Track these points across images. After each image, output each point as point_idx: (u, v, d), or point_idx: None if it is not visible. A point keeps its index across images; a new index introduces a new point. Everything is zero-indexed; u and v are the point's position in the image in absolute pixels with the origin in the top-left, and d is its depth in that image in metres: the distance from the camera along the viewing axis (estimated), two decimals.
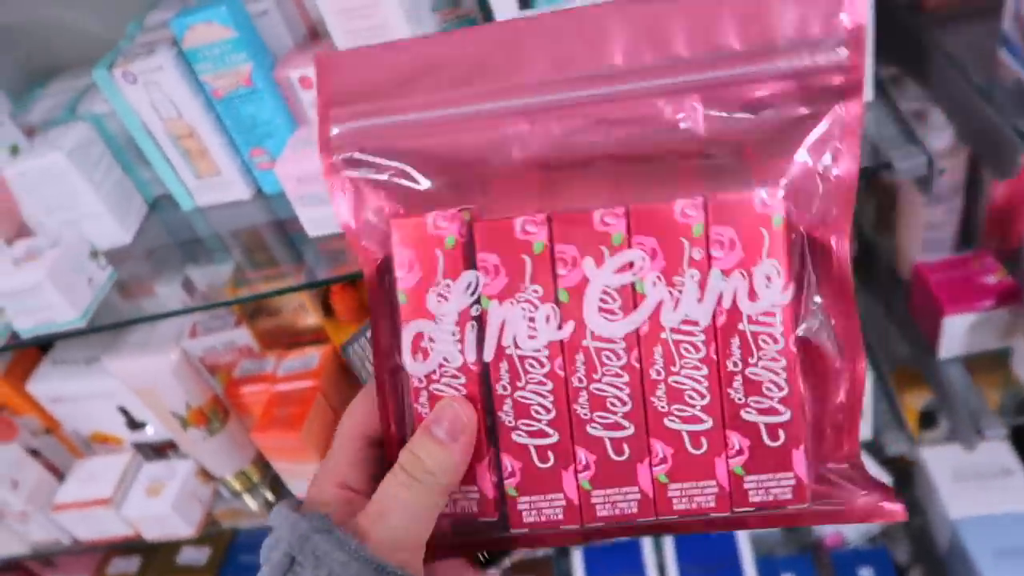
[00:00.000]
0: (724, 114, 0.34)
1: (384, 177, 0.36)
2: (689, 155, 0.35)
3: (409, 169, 0.36)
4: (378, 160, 0.36)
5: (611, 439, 0.35)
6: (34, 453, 1.05)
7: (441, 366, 0.35)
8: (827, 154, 0.34)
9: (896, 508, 0.35)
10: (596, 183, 0.35)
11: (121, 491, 1.03)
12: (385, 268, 0.36)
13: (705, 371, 0.34)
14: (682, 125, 0.34)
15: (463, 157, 0.35)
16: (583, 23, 0.34)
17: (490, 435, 0.36)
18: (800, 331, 0.34)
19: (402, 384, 0.36)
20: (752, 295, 0.34)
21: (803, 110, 0.34)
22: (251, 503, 1.05)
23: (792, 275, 0.34)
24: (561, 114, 0.35)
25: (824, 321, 0.34)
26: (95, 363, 0.96)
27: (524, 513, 0.36)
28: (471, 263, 0.35)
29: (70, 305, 0.77)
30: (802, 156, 0.34)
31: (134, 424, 1.03)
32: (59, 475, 1.08)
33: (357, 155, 0.36)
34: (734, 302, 0.34)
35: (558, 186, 0.35)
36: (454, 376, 0.35)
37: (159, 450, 1.07)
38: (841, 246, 0.34)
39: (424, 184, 0.36)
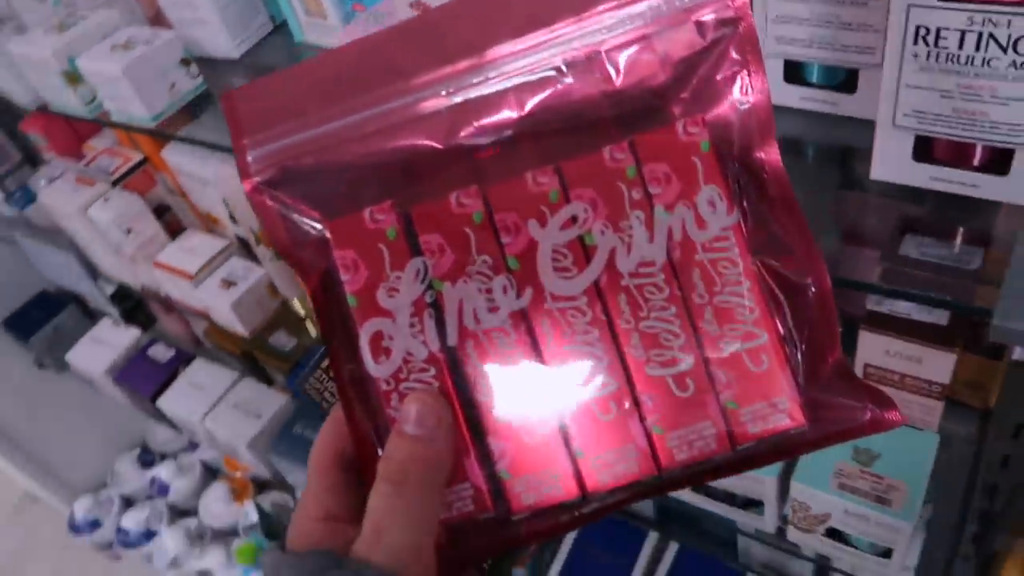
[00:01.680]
0: (630, 66, 0.35)
1: (308, 190, 0.36)
2: (607, 110, 0.35)
3: (332, 177, 0.36)
4: (299, 175, 0.36)
5: (596, 399, 0.33)
6: (163, 208, 1.19)
7: (407, 362, 0.34)
8: (736, 76, 0.34)
9: (894, 415, 0.33)
10: (520, 159, 0.35)
11: (203, 273, 1.11)
12: (327, 280, 0.35)
13: (673, 310, 0.33)
14: (591, 88, 0.35)
15: (383, 158, 0.35)
16: (473, 8, 0.35)
17: (471, 425, 0.34)
18: (757, 254, 0.34)
19: (370, 396, 0.35)
20: (700, 223, 0.33)
21: (701, 41, 0.35)
22: (312, 330, 1.12)
23: (733, 198, 0.34)
24: (471, 100, 0.35)
25: (777, 239, 0.34)
26: (214, 152, 0.98)
27: (522, 495, 0.34)
28: (416, 250, 0.34)
29: (143, 104, 0.81)
30: (712, 83, 0.35)
31: (233, 219, 1.08)
32: (175, 236, 1.19)
33: (279, 175, 0.36)
34: (684, 234, 0.33)
35: (485, 168, 0.35)
36: (422, 369, 0.34)
37: (250, 251, 1.12)
38: (772, 162, 0.34)
39: (349, 190, 0.36)
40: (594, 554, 1.04)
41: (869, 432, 0.34)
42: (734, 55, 0.34)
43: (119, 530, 1.74)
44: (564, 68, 0.35)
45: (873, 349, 0.71)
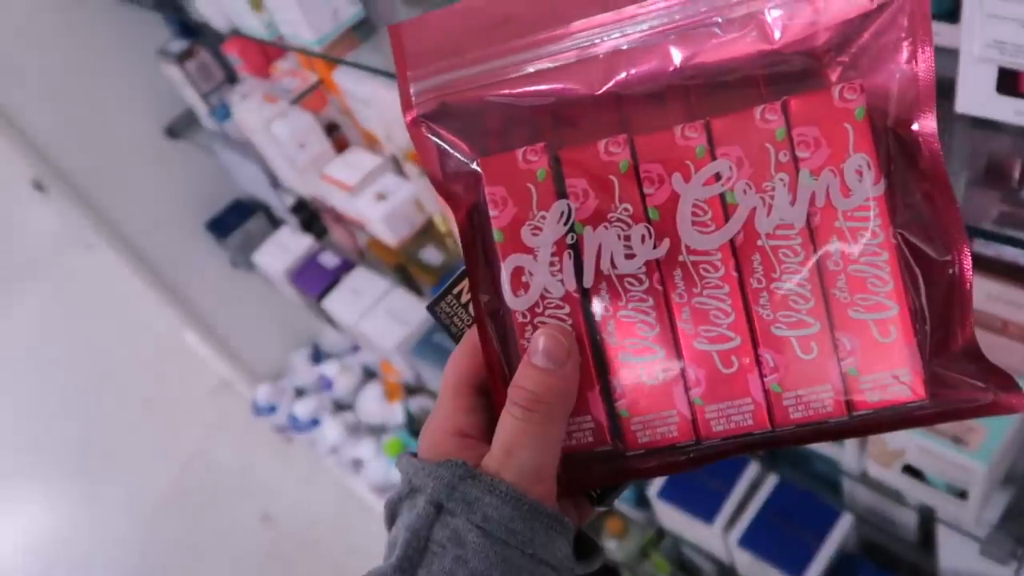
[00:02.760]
0: (789, 25, 0.35)
1: (464, 126, 0.37)
2: (760, 69, 0.35)
3: (488, 116, 0.37)
4: (457, 111, 0.38)
5: (718, 352, 0.35)
6: (333, 127, 1.28)
7: (543, 297, 0.36)
8: (901, 43, 0.34)
9: (1017, 400, 0.33)
10: (670, 113, 0.36)
11: (360, 186, 1.19)
12: (474, 213, 0.37)
13: (807, 274, 0.34)
14: (748, 46, 0.35)
15: (538, 100, 0.37)
16: None
17: (597, 362, 0.36)
18: (899, 226, 0.34)
19: (504, 326, 0.37)
20: (845, 190, 0.34)
21: (868, 4, 0.34)
22: (455, 247, 1.16)
23: (882, 167, 0.34)
24: (627, 49, 0.36)
25: (922, 214, 0.34)
26: (375, 75, 1.01)
27: (638, 434, 0.36)
28: (561, 193, 0.36)
29: (309, 27, 0.84)
30: (875, 49, 0.34)
31: (388, 139, 1.16)
32: (342, 152, 1.29)
33: (437, 109, 0.38)
34: (827, 200, 0.34)
35: (633, 118, 0.36)
36: (557, 307, 0.36)
37: (400, 168, 1.21)
38: (928, 134, 0.34)
39: (503, 129, 0.37)
40: (693, 473, 1.06)
41: (989, 414, 0.34)
42: (902, 21, 0.34)
43: (291, 416, 1.96)
44: (721, 22, 0.35)
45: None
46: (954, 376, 0.34)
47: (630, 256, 0.35)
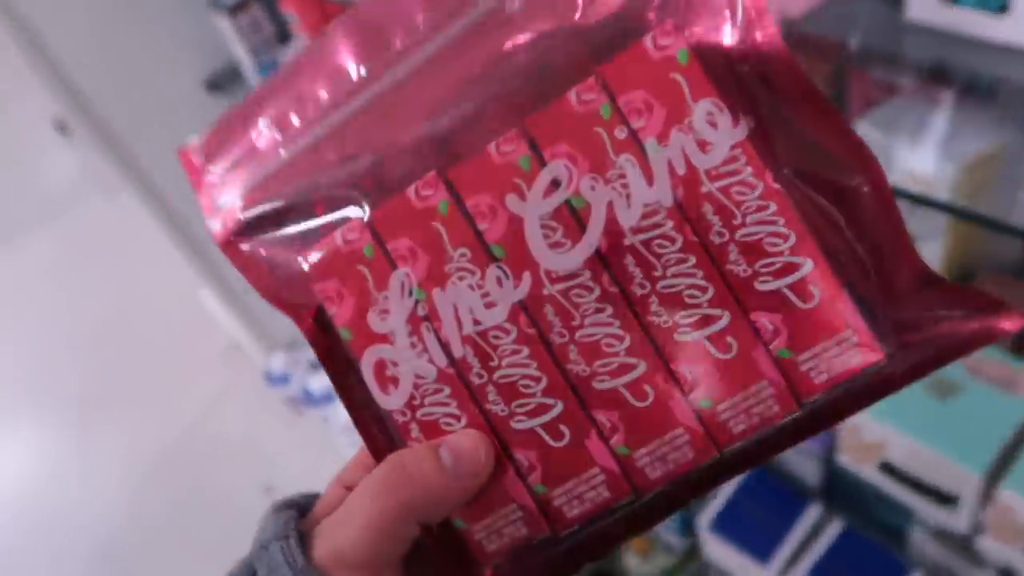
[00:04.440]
0: None
1: (280, 229, 0.33)
2: (580, 49, 0.30)
3: (305, 205, 0.33)
4: (271, 212, 0.33)
5: (626, 385, 0.28)
6: None
7: (417, 386, 0.30)
8: None
9: (1008, 321, 0.26)
10: (489, 125, 0.31)
11: None
12: (320, 317, 0.32)
13: (692, 259, 0.28)
14: (551, 23, 0.30)
15: (344, 170, 0.32)
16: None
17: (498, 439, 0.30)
18: (789, 164, 0.28)
19: (391, 431, 0.31)
20: (703, 146, 0.28)
21: None
22: None
23: (737, 107, 0.28)
24: (407, 75, 0.31)
25: (806, 142, 0.28)
26: None
27: (564, 508, 0.29)
28: (393, 262, 0.30)
29: None
30: None
31: None
32: None
33: (249, 219, 0.33)
34: (687, 163, 0.28)
35: (451, 146, 0.31)
36: (436, 391, 0.30)
37: None
38: (775, 49, 0.28)
39: (320, 215, 0.32)
40: (750, 509, 0.96)
41: (978, 345, 0.27)
42: None
43: (304, 389, 1.85)
44: (516, 6, 0.30)
45: None
46: (917, 315, 0.27)
47: (491, 305, 0.29)
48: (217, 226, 0.33)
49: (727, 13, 0.28)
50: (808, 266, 0.27)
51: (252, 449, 2.00)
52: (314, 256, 0.31)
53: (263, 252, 0.33)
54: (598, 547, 0.30)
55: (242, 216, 0.33)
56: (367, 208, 0.31)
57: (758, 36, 0.28)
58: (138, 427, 2.11)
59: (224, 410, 2.10)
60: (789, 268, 0.27)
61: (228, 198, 0.33)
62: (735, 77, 0.28)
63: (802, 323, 0.27)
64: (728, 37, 0.28)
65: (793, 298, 0.27)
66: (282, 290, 0.33)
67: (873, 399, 0.27)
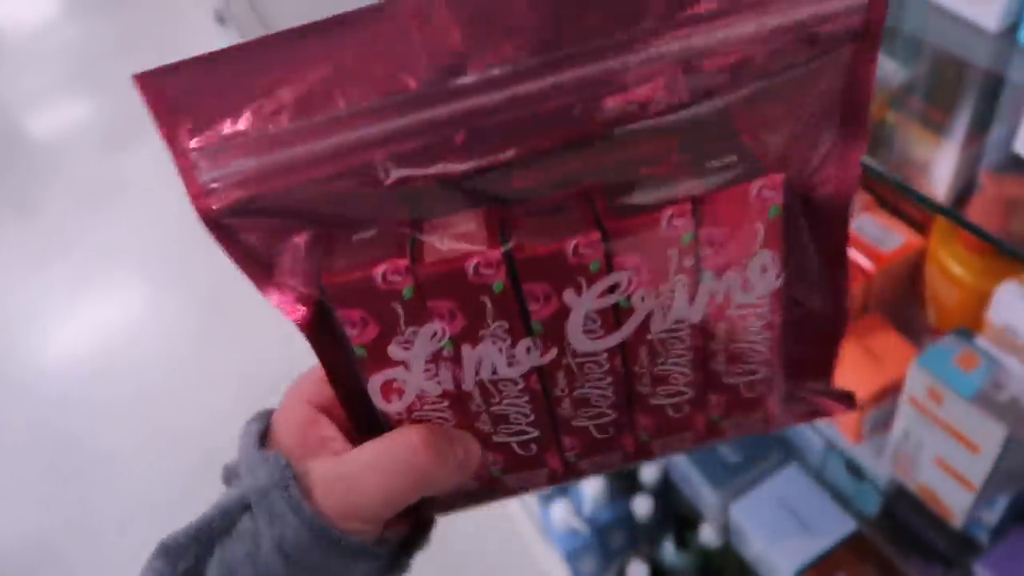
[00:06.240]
0: (703, 83, 0.27)
1: (282, 220, 0.28)
2: (666, 128, 0.28)
3: (315, 206, 0.27)
4: (273, 203, 0.27)
5: (595, 425, 0.34)
6: None
7: (420, 398, 0.32)
8: (834, 115, 0.28)
9: (848, 407, 0.37)
10: (551, 183, 0.28)
11: None
12: (324, 312, 0.30)
13: (690, 357, 0.32)
14: (652, 104, 0.27)
15: (373, 182, 0.27)
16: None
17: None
18: (785, 285, 0.32)
19: (378, 414, 0.33)
20: (746, 287, 0.30)
21: (804, 68, 0.27)
22: None
23: (785, 258, 0.30)
24: (489, 110, 0.26)
25: (810, 280, 0.32)
26: None
27: (509, 482, 0.36)
28: (429, 312, 0.29)
29: None
30: (801, 123, 0.28)
31: None
32: None
33: (244, 203, 0.27)
34: (726, 299, 0.30)
35: (502, 192, 0.28)
36: (435, 403, 0.32)
37: None
38: (840, 209, 0.30)
39: (334, 215, 0.28)
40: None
41: (820, 418, 0.38)
42: (839, 83, 0.27)
43: None
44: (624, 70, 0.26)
45: None
46: (804, 397, 0.36)
47: (512, 365, 0.31)
48: (200, 196, 0.27)
49: (820, 166, 0.29)
50: (764, 374, 0.34)
51: None
52: (345, 284, 0.28)
53: (259, 239, 0.28)
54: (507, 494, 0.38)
55: (240, 197, 0.27)
56: (409, 252, 0.28)
57: (831, 194, 0.29)
58: (259, 347, 1.90)
59: None
60: (751, 372, 0.33)
61: (221, 172, 0.26)
62: (795, 218, 0.30)
63: (738, 403, 0.34)
64: (808, 182, 0.29)
65: (743, 390, 0.34)
66: (281, 280, 0.29)
67: (747, 433, 0.37)
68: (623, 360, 0.32)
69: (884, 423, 0.70)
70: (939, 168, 0.53)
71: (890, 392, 0.67)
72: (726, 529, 0.99)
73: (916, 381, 0.58)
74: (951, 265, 0.63)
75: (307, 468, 0.32)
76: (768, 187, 0.28)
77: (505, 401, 0.32)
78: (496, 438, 0.34)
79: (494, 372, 0.31)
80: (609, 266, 0.29)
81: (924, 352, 0.58)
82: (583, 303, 0.29)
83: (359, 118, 0.26)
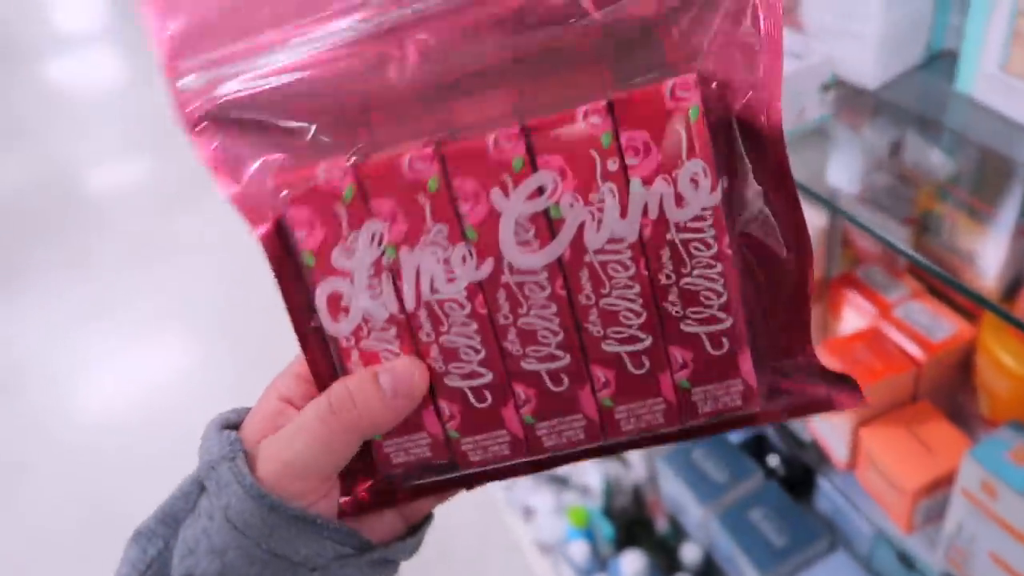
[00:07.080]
0: None
1: (256, 131, 0.31)
2: (587, 42, 0.30)
3: (282, 116, 0.31)
4: (246, 112, 0.31)
5: (548, 371, 0.33)
6: None
7: (366, 320, 0.32)
8: (746, 16, 0.30)
9: (851, 396, 0.34)
10: (489, 91, 0.31)
11: None
12: (280, 228, 0.32)
13: (637, 289, 0.32)
14: (573, 11, 0.30)
15: (335, 91, 0.31)
16: None
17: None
18: (742, 224, 0.32)
19: (331, 350, 0.33)
20: (679, 201, 0.31)
21: None
22: None
23: (720, 172, 0.31)
24: (436, 24, 0.30)
25: (763, 210, 0.32)
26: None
27: (470, 453, 0.34)
28: (370, 212, 0.31)
29: None
30: (715, 23, 0.30)
31: None
32: None
33: (220, 110, 0.31)
34: (660, 211, 0.31)
35: (448, 101, 0.31)
36: (382, 329, 0.32)
37: None
38: (772, 122, 0.30)
39: (301, 128, 0.31)
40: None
41: (823, 411, 0.34)
42: None
43: None
44: None
45: None
46: (792, 378, 0.34)
47: (451, 279, 0.31)
48: (183, 105, 0.31)
49: (744, 76, 0.30)
50: (728, 322, 0.32)
51: None
52: (294, 182, 0.31)
53: (232, 149, 0.32)
54: (482, 480, 0.35)
55: (216, 105, 0.31)
56: (362, 140, 0.31)
57: (762, 106, 0.30)
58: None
59: None
60: (713, 320, 0.32)
61: (200, 78, 0.31)
62: (728, 141, 0.31)
63: (706, 364, 0.33)
64: (737, 96, 0.30)
65: (707, 344, 0.32)
66: (246, 193, 0.32)
67: (736, 428, 0.35)
68: (565, 284, 0.31)
69: (936, 514, 0.67)
70: (987, 260, 0.52)
71: (942, 483, 0.65)
72: None
73: (969, 474, 0.54)
74: (1002, 355, 0.62)
75: (253, 434, 0.33)
76: (680, 87, 0.29)
77: (453, 329, 0.32)
78: (448, 381, 0.33)
79: (434, 289, 0.31)
80: (534, 166, 0.30)
81: (977, 444, 0.54)
82: (512, 206, 0.30)
83: (316, 24, 0.30)
